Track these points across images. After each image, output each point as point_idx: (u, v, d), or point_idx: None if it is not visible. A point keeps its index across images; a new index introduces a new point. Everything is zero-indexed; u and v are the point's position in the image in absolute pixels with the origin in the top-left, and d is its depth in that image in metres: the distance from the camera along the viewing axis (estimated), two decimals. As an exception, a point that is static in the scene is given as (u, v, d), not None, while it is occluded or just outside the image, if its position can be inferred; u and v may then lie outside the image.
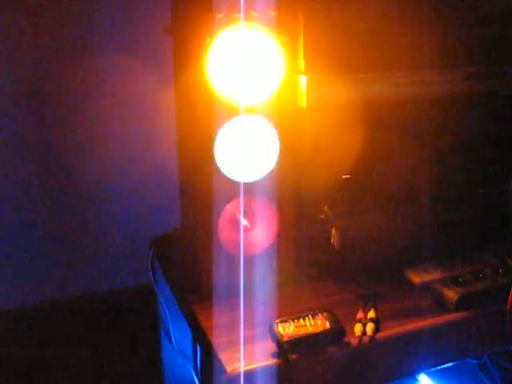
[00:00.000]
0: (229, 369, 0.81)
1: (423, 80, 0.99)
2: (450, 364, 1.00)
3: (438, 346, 0.94)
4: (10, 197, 1.51)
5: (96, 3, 1.47)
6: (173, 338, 1.08)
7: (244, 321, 0.89)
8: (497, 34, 1.04)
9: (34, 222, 1.54)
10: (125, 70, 1.50)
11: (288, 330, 0.85)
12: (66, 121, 1.51)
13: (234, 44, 0.87)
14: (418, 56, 0.99)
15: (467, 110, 1.07)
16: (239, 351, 0.84)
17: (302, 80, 0.92)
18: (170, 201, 1.35)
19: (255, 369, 0.82)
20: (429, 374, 1.25)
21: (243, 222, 0.95)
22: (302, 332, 0.85)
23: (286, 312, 0.89)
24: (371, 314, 0.92)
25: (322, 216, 1.01)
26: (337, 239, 1.00)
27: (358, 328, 0.88)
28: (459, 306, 0.93)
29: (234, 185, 0.92)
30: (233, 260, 0.93)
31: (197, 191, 0.97)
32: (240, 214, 0.95)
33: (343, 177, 1.01)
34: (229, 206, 0.93)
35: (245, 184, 0.92)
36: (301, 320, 0.87)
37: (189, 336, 0.96)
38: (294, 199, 1.00)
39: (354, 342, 0.87)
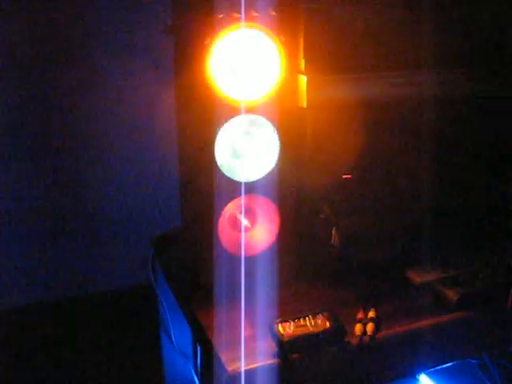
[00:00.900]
0: (229, 368, 0.81)
1: (423, 80, 0.99)
2: (450, 364, 1.00)
3: (438, 346, 0.94)
4: (10, 196, 1.51)
5: (97, 3, 1.47)
6: (173, 338, 1.08)
7: (244, 320, 0.89)
8: (497, 34, 1.04)
9: (34, 222, 1.54)
10: (125, 70, 1.50)
11: (288, 329, 0.85)
12: (66, 121, 1.51)
13: (235, 44, 0.87)
14: (418, 56, 0.99)
15: (467, 110, 1.07)
16: (240, 351, 0.84)
17: (303, 80, 0.92)
18: (171, 200, 1.35)
19: (255, 368, 0.82)
20: (429, 374, 1.25)
21: (244, 221, 0.95)
22: (302, 332, 0.85)
23: (287, 312, 0.89)
24: (371, 313, 0.92)
25: (322, 216, 1.01)
26: (337, 239, 1.00)
27: (358, 328, 0.88)
28: (459, 305, 0.93)
29: (235, 184, 0.92)
30: (233, 259, 0.93)
31: (197, 191, 0.98)
32: (240, 213, 0.95)
33: (343, 177, 1.02)
34: (229, 206, 0.93)
35: (245, 184, 0.92)
36: (301, 320, 0.87)
37: (189, 336, 0.96)
38: (295, 199, 1.00)
39: (355, 341, 0.87)
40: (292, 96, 0.94)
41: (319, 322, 0.87)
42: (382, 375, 0.92)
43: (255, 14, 0.86)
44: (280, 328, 0.85)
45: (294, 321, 0.86)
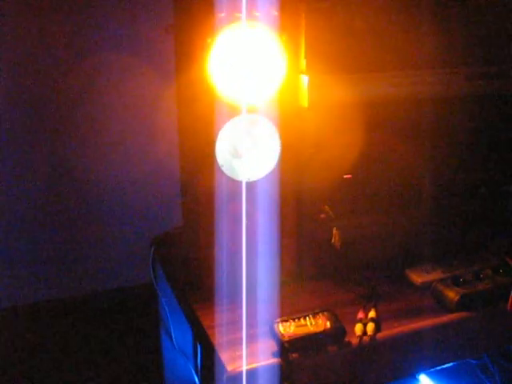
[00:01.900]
0: (229, 368, 0.81)
1: (424, 80, 0.99)
2: (450, 364, 1.00)
3: (438, 346, 0.94)
4: (11, 196, 1.51)
5: (97, 3, 1.47)
6: (174, 338, 1.09)
7: (245, 320, 0.89)
8: (497, 33, 1.04)
9: (35, 222, 1.54)
10: (126, 70, 1.50)
11: (289, 329, 0.85)
12: (67, 121, 1.51)
13: (236, 44, 0.87)
14: (419, 56, 0.99)
15: (468, 110, 1.07)
16: (240, 350, 0.84)
17: (304, 80, 0.93)
18: (171, 200, 1.35)
19: (256, 368, 0.82)
20: (429, 374, 1.25)
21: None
22: (302, 331, 0.85)
23: (287, 311, 0.89)
24: (372, 313, 0.92)
25: (323, 216, 1.01)
26: (338, 239, 1.00)
27: (358, 328, 0.88)
28: (460, 306, 0.93)
29: (235, 184, 0.92)
30: (234, 259, 0.93)
31: (198, 190, 0.98)
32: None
33: (344, 176, 1.02)
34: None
35: (246, 183, 0.92)
36: (301, 319, 0.87)
37: (190, 335, 0.96)
38: (295, 199, 1.00)
39: (355, 341, 0.87)
40: (293, 96, 0.94)
41: (319, 321, 0.87)
42: (382, 375, 0.92)
43: (256, 14, 0.86)
44: (280, 328, 0.85)
45: (294, 320, 0.86)
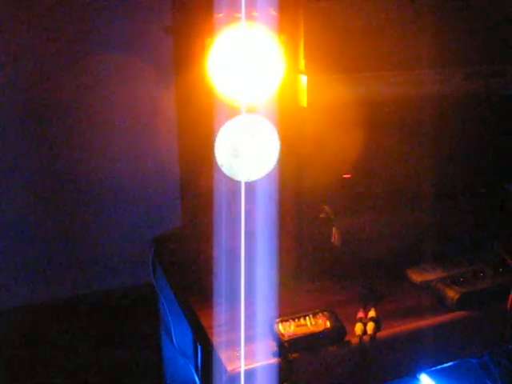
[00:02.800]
0: (229, 368, 0.81)
1: (423, 80, 0.99)
2: (450, 363, 1.00)
3: (438, 346, 0.94)
4: (11, 196, 1.51)
5: (96, 3, 1.47)
6: (173, 338, 1.09)
7: (244, 320, 0.89)
8: (496, 33, 1.04)
9: (35, 222, 1.54)
10: (125, 71, 1.50)
11: (288, 329, 0.85)
12: (66, 121, 1.51)
13: (235, 44, 0.87)
14: (418, 56, 0.99)
15: (468, 110, 1.07)
16: (240, 350, 0.84)
17: (303, 79, 0.93)
18: (171, 200, 1.35)
19: (256, 368, 0.82)
20: (429, 374, 1.25)
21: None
22: (302, 331, 0.85)
23: (287, 311, 0.89)
24: (372, 313, 0.92)
25: (322, 215, 1.01)
26: (337, 238, 1.00)
27: (358, 327, 0.88)
28: (460, 305, 0.93)
29: (235, 184, 0.92)
30: (233, 259, 0.93)
31: (197, 190, 0.98)
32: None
33: (344, 176, 1.02)
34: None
35: (245, 183, 0.92)
36: (301, 319, 0.87)
37: (189, 335, 0.96)
38: (295, 198, 1.00)
39: (355, 341, 0.87)
40: (292, 96, 0.94)
41: (319, 321, 0.87)
42: (383, 374, 0.92)
43: (255, 14, 0.86)
44: (280, 327, 0.85)
45: (294, 320, 0.86)
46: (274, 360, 0.83)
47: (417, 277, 1.02)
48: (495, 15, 1.03)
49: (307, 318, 0.87)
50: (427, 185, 1.08)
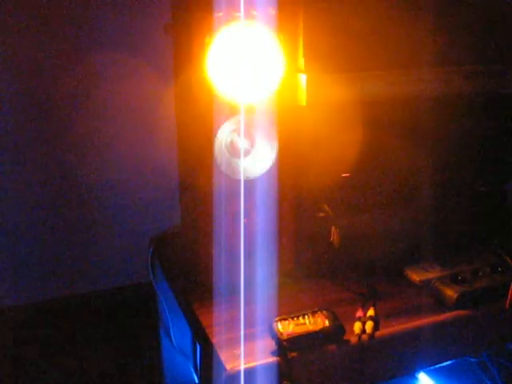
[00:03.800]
0: (228, 367, 0.81)
1: (423, 79, 0.99)
2: (449, 362, 1.00)
3: (437, 344, 0.94)
4: (11, 196, 1.51)
5: (95, 2, 1.47)
6: (173, 337, 1.09)
7: (244, 319, 0.89)
8: (497, 32, 1.04)
9: (34, 222, 1.54)
10: (125, 70, 1.50)
11: (287, 328, 0.85)
12: (66, 120, 1.51)
13: (234, 43, 0.87)
14: (417, 55, 0.99)
15: (468, 109, 1.07)
16: (239, 349, 0.84)
17: (302, 78, 0.93)
18: (170, 199, 1.35)
19: (255, 367, 0.82)
20: (428, 372, 1.25)
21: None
22: (301, 330, 0.85)
23: (286, 310, 0.89)
24: (370, 312, 0.92)
25: (321, 214, 1.01)
26: (336, 237, 1.00)
27: (357, 326, 0.89)
28: (458, 304, 0.93)
29: (234, 183, 0.92)
30: (233, 258, 0.93)
31: (196, 189, 0.98)
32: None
33: (343, 175, 1.02)
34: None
35: (244, 182, 0.92)
36: (300, 318, 0.87)
37: (188, 334, 0.96)
38: (294, 197, 1.00)
39: (354, 340, 0.87)
40: (291, 94, 0.94)
41: (318, 320, 0.87)
42: (381, 373, 0.92)
43: (254, 13, 0.86)
44: (279, 326, 0.85)
45: (293, 319, 0.86)
46: (273, 359, 0.83)
47: (416, 276, 1.02)
48: (496, 14, 1.03)
49: (306, 316, 0.87)
50: (426, 184, 1.08)
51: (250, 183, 0.93)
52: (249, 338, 0.87)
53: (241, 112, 0.90)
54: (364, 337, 0.87)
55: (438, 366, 1.01)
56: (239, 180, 0.92)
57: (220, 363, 0.83)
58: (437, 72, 1.00)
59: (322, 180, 1.00)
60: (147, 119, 1.55)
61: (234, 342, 0.86)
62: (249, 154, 0.93)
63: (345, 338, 0.87)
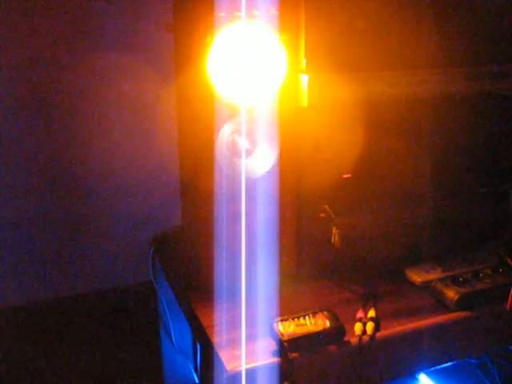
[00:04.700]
0: (229, 367, 0.81)
1: (425, 79, 0.99)
2: (449, 363, 1.00)
3: (437, 346, 0.94)
4: (11, 196, 1.51)
5: (96, 2, 1.47)
6: (173, 337, 1.09)
7: (244, 319, 0.89)
8: (497, 33, 1.04)
9: (34, 222, 1.54)
10: (125, 69, 1.50)
11: (288, 328, 0.85)
12: (65, 120, 1.51)
13: (235, 43, 0.87)
14: (419, 55, 0.99)
15: (468, 110, 1.07)
16: (239, 349, 0.84)
17: (304, 79, 0.92)
18: (171, 199, 1.35)
19: (255, 367, 0.82)
20: (428, 374, 1.25)
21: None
22: (302, 331, 0.85)
23: (287, 311, 0.89)
24: (371, 313, 0.92)
25: (322, 215, 1.01)
26: (337, 238, 1.00)
27: (358, 327, 0.89)
28: (459, 305, 0.93)
29: (235, 183, 0.92)
30: (233, 258, 0.93)
31: (197, 189, 0.98)
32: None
33: (344, 176, 1.02)
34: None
35: (246, 183, 0.92)
36: (301, 319, 0.87)
37: (189, 334, 0.96)
38: (295, 198, 1.00)
39: (354, 341, 0.87)
40: (293, 95, 0.94)
41: (319, 321, 0.87)
42: (382, 374, 0.92)
43: (256, 13, 0.85)
44: (280, 327, 0.85)
45: (293, 320, 0.86)
46: (273, 359, 0.83)
47: (416, 277, 1.02)
48: (498, 15, 1.03)
49: (307, 317, 0.87)
50: (427, 185, 1.08)
51: (251, 184, 0.93)
52: (249, 338, 0.87)
53: (242, 112, 0.90)
54: (365, 338, 0.87)
55: (438, 367, 1.01)
56: (240, 180, 0.92)
57: (221, 363, 0.83)
58: (439, 73, 1.00)
59: (323, 180, 1.00)
60: (148, 119, 1.54)
61: (234, 343, 0.86)
62: (250, 154, 0.93)
63: (345, 338, 0.87)
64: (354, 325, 0.89)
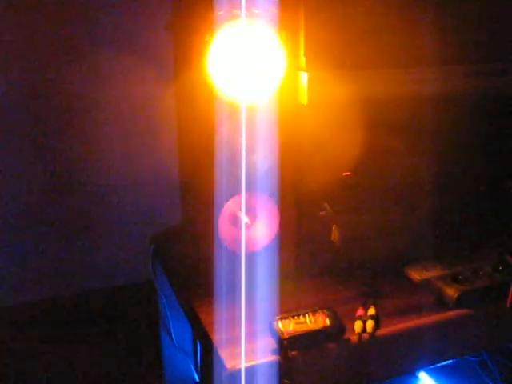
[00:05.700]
0: (229, 365, 0.81)
1: (425, 78, 0.99)
2: (449, 361, 1.00)
3: (437, 344, 0.94)
4: (11, 195, 1.51)
5: (96, 1, 1.47)
6: (173, 335, 1.09)
7: (244, 317, 0.89)
8: (497, 31, 1.04)
9: (34, 221, 1.54)
10: (125, 68, 1.50)
11: (288, 326, 0.85)
12: (65, 119, 1.51)
13: (235, 41, 0.87)
14: (419, 53, 0.99)
15: (469, 109, 1.07)
16: (239, 348, 0.84)
17: (303, 77, 0.92)
18: (171, 198, 1.35)
19: (255, 365, 0.82)
20: (428, 372, 1.25)
21: (244, 218, 0.95)
22: (302, 329, 0.85)
23: (287, 309, 0.89)
24: (371, 311, 0.92)
25: (322, 213, 1.01)
26: (337, 236, 1.00)
27: (357, 325, 0.89)
28: (459, 303, 0.93)
29: (235, 182, 0.92)
30: (233, 257, 0.93)
31: (197, 188, 0.98)
32: (241, 210, 0.95)
33: (344, 174, 1.02)
34: (229, 203, 0.93)
35: (246, 181, 0.92)
36: (301, 317, 0.87)
37: (189, 333, 0.96)
38: (295, 196, 1.00)
39: (354, 339, 0.87)
40: (292, 93, 0.94)
41: (319, 319, 0.87)
42: (382, 372, 0.92)
43: (255, 11, 0.85)
44: (280, 325, 0.85)
45: (293, 318, 0.86)
46: (273, 357, 0.83)
47: (416, 275, 1.02)
48: (497, 13, 1.03)
49: (307, 315, 0.87)
50: (427, 183, 1.08)
51: (251, 182, 0.93)
52: (249, 336, 0.87)
53: (241, 111, 0.90)
54: (365, 336, 0.87)
55: (438, 365, 1.01)
56: (240, 179, 0.92)
57: (220, 361, 0.83)
58: (439, 71, 1.00)
59: (322, 179, 1.00)
60: (148, 118, 1.54)
61: (234, 341, 0.86)
62: (250, 153, 0.93)
63: (345, 336, 0.87)
64: (353, 323, 0.89)
